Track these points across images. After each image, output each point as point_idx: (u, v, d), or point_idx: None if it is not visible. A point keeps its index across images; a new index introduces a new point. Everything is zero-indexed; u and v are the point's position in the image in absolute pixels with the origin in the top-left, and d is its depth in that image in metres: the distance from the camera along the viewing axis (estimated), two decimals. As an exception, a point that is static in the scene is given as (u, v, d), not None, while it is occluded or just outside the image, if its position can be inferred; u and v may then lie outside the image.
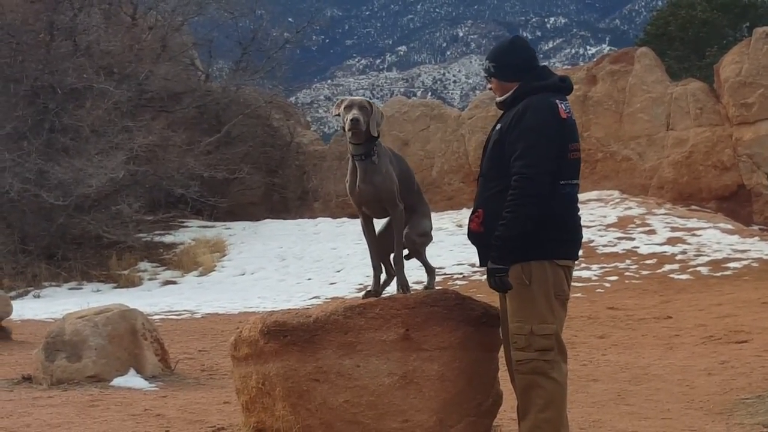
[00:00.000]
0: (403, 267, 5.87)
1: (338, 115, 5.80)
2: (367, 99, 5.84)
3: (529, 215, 5.32)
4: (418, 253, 6.01)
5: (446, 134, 26.52)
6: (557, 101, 5.51)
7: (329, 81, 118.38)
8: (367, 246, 6.04)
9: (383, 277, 6.01)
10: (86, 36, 23.75)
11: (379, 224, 6.04)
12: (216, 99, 26.52)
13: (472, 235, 5.65)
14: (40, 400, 8.69)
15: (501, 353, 5.90)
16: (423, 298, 5.76)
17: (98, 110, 21.83)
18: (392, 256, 5.94)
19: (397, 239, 5.84)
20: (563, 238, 5.51)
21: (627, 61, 25.78)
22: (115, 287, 20.52)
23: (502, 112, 5.73)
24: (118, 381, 9.45)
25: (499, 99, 5.69)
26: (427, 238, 6.02)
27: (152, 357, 9.87)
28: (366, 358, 5.66)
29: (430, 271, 6.12)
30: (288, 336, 5.77)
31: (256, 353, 5.96)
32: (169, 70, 25.31)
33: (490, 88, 5.84)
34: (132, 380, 9.50)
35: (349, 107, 5.71)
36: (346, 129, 5.69)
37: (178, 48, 26.86)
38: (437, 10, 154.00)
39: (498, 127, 5.60)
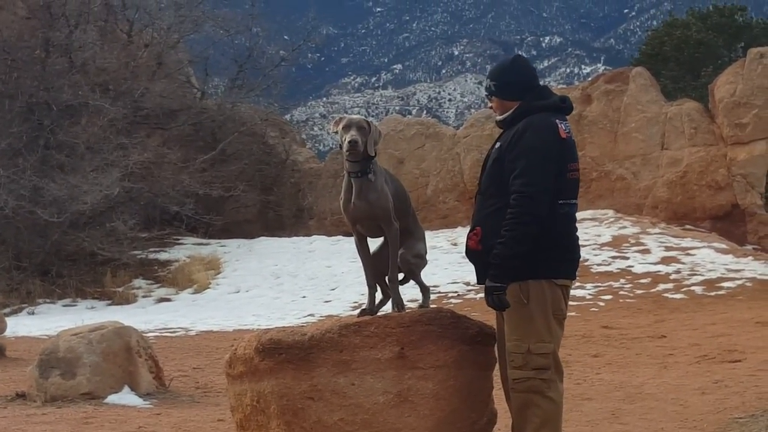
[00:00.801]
0: (397, 286, 5.87)
1: (336, 132, 5.82)
2: (365, 118, 5.85)
3: (527, 234, 5.34)
4: (413, 274, 5.99)
5: (441, 153, 26.55)
6: (557, 121, 5.54)
7: (324, 99, 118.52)
8: (361, 264, 6.03)
9: (378, 295, 6.01)
10: (82, 53, 23.73)
11: (373, 246, 6.03)
12: (211, 116, 26.50)
13: (470, 253, 5.68)
14: (34, 417, 8.70)
15: (496, 371, 5.90)
16: (418, 316, 5.75)
17: (94, 127, 21.81)
18: (387, 275, 5.92)
19: (392, 258, 5.83)
20: (562, 258, 5.54)
21: (622, 80, 25.83)
22: (110, 304, 20.48)
23: (501, 130, 5.76)
24: (112, 398, 9.45)
25: (499, 118, 5.72)
26: (422, 260, 6.01)
27: (147, 374, 9.87)
28: (361, 376, 5.64)
29: (424, 290, 6.12)
30: (283, 354, 5.74)
31: (251, 371, 5.92)
32: (164, 88, 25.29)
33: (491, 107, 5.87)
34: (126, 397, 9.50)
35: (347, 127, 5.72)
36: (344, 150, 5.70)
37: (173, 65, 26.87)
38: (433, 28, 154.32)
39: (497, 145, 5.63)
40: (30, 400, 9.50)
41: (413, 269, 5.95)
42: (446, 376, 5.69)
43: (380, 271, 5.94)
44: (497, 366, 5.85)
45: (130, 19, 26.49)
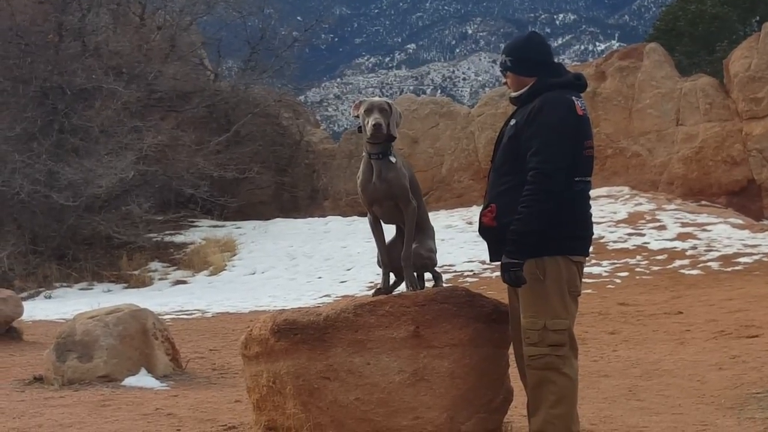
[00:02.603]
0: (411, 264, 5.86)
1: (357, 116, 5.82)
2: (386, 100, 5.84)
3: (544, 211, 5.33)
4: (426, 268, 6.02)
5: (456, 131, 26.51)
6: (573, 98, 5.52)
7: (338, 79, 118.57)
8: (375, 245, 6.03)
9: (392, 278, 6.01)
10: (95, 36, 23.77)
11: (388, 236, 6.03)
12: (225, 98, 26.52)
13: (485, 230, 5.65)
14: (51, 401, 8.71)
15: (510, 350, 5.90)
16: (433, 295, 5.78)
17: (107, 110, 21.86)
18: (400, 265, 5.92)
19: (407, 236, 5.83)
20: (577, 234, 5.53)
21: (636, 57, 25.76)
22: (126, 287, 20.54)
23: (515, 107, 5.74)
24: (129, 381, 9.46)
25: (514, 94, 5.70)
26: (433, 255, 6.02)
27: (163, 356, 9.89)
28: (376, 355, 5.67)
29: (437, 276, 6.14)
30: (298, 334, 5.79)
31: (267, 352, 5.97)
32: (178, 70, 25.33)
33: (506, 83, 5.84)
34: (143, 380, 9.51)
35: (369, 110, 5.73)
36: (368, 133, 5.70)
37: (186, 48, 26.87)
38: (446, 7, 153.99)
39: (513, 122, 5.60)
40: (47, 384, 9.51)
41: (426, 263, 5.98)
42: (461, 355, 5.71)
43: (393, 262, 5.94)
44: (512, 344, 5.84)
45: (143, 2, 26.52)
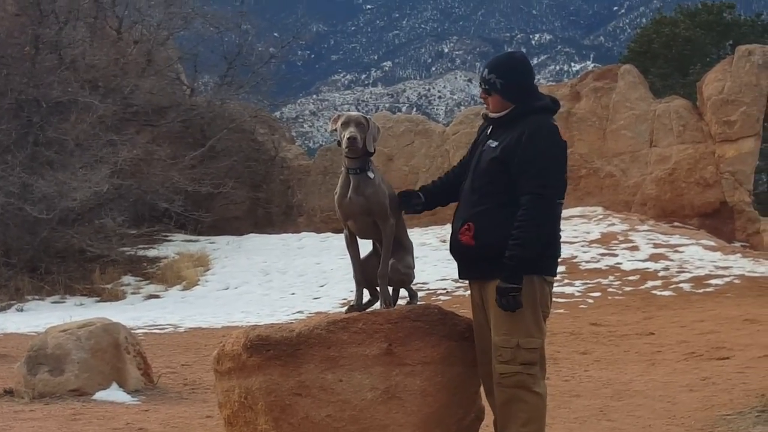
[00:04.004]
0: (387, 281, 5.86)
1: (335, 130, 5.82)
2: (364, 114, 5.87)
3: (543, 235, 5.41)
4: (403, 284, 6.01)
5: (431, 149, 26.58)
6: (555, 123, 5.59)
7: (314, 96, 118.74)
8: (350, 261, 6.02)
9: (366, 295, 6.02)
10: (71, 50, 23.72)
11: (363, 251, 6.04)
12: (201, 113, 26.49)
13: (462, 248, 5.64)
14: (21, 414, 8.70)
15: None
16: (406, 312, 5.77)
17: (83, 124, 21.80)
18: (374, 281, 5.93)
19: (384, 253, 5.83)
20: (550, 254, 5.58)
21: (610, 78, 25.89)
22: (99, 301, 20.45)
23: (488, 125, 5.73)
24: (100, 395, 9.46)
25: (495, 115, 5.67)
26: (411, 271, 6.01)
27: (135, 371, 9.88)
28: (349, 372, 5.66)
29: (413, 294, 6.14)
30: (271, 350, 5.75)
31: (239, 367, 5.94)
32: (154, 85, 25.27)
33: (483, 99, 5.76)
34: (114, 394, 9.51)
35: (346, 124, 5.73)
36: (343, 146, 5.71)
37: (163, 62, 26.84)
38: (422, 26, 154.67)
39: (494, 144, 5.57)
40: (18, 397, 9.49)
41: (404, 279, 5.96)
42: (434, 373, 5.71)
43: (368, 278, 5.94)
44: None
45: (120, 16, 26.46)
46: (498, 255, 5.40)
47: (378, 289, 5.92)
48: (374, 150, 5.82)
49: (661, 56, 36.13)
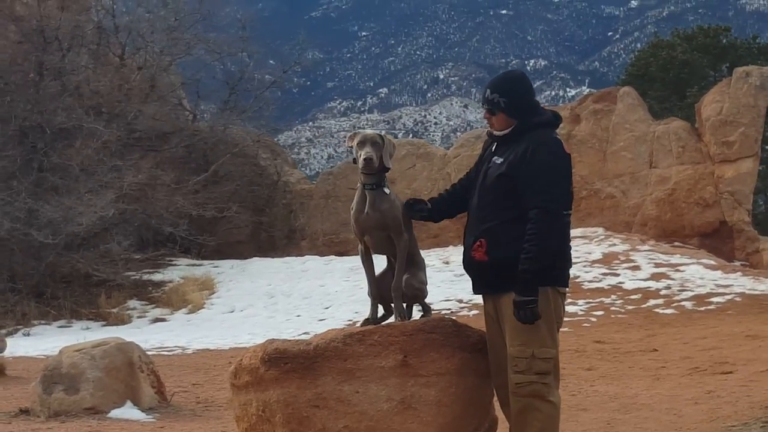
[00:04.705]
0: (401, 294, 5.98)
1: (351, 147, 5.99)
2: (379, 132, 6.03)
3: (552, 247, 5.54)
4: (417, 299, 6.13)
5: (432, 173, 26.77)
6: (558, 137, 5.74)
7: (311, 123, 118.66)
8: (365, 276, 6.12)
9: (380, 309, 6.14)
10: (75, 76, 23.92)
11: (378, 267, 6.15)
12: (204, 138, 26.70)
13: (475, 264, 5.77)
14: (40, 431, 8.83)
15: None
16: (421, 325, 5.88)
17: (88, 149, 21.96)
18: (388, 297, 6.05)
19: (398, 267, 5.94)
20: (563, 266, 5.72)
21: (610, 100, 26.09)
22: (105, 325, 20.54)
23: (492, 143, 5.86)
24: (115, 413, 9.60)
25: (499, 133, 5.79)
26: (424, 287, 6.15)
27: (149, 389, 10.02)
28: (365, 384, 5.75)
29: (426, 308, 6.26)
30: (288, 363, 5.85)
31: (257, 380, 6.02)
32: (157, 110, 25.48)
33: (487, 118, 5.88)
34: (129, 412, 9.64)
35: (362, 143, 5.89)
36: (360, 166, 5.88)
37: (166, 88, 27.06)
38: (418, 52, 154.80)
39: (500, 160, 5.70)
40: (33, 416, 9.62)
41: (418, 294, 6.10)
42: (448, 383, 5.82)
43: (382, 293, 6.06)
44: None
45: (123, 43, 26.68)
46: (511, 269, 5.53)
47: (392, 305, 6.04)
48: (390, 166, 5.99)
49: (658, 79, 36.33)
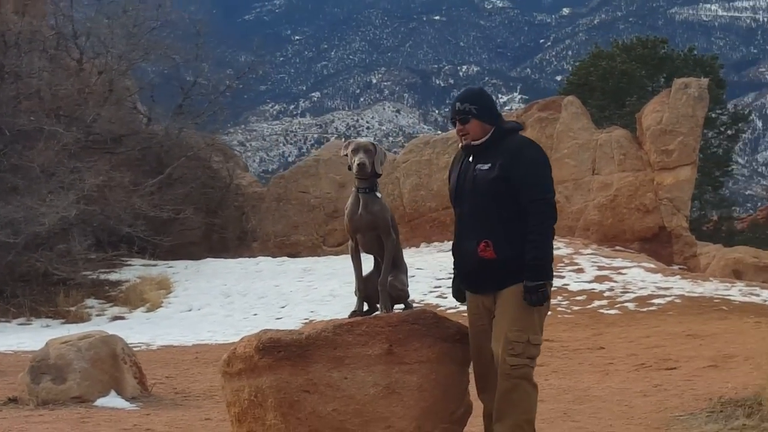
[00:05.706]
0: (387, 290, 6.50)
1: (345, 155, 6.58)
2: (371, 141, 6.62)
3: (552, 235, 6.16)
4: (401, 299, 6.64)
5: (381, 178, 27.20)
6: None
7: (243, 126, 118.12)
8: (354, 271, 6.67)
9: (365, 305, 6.67)
10: (35, 79, 24.18)
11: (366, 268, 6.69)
12: (159, 141, 27.04)
13: (484, 262, 6.22)
14: (31, 418, 9.28)
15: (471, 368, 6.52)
16: (405, 316, 6.36)
17: (48, 151, 22.25)
18: (373, 297, 6.60)
19: (385, 264, 6.49)
20: (551, 259, 6.25)
21: (554, 108, 26.70)
22: (64, 323, 20.61)
23: (468, 153, 6.33)
24: (101, 401, 10.11)
25: (477, 141, 6.27)
26: (406, 289, 6.67)
27: (131, 380, 10.55)
28: (353, 370, 6.20)
29: (410, 307, 6.79)
30: (282, 351, 6.25)
31: (250, 368, 6.40)
32: (113, 114, 25.80)
33: (459, 130, 6.32)
34: (114, 401, 10.16)
35: (356, 150, 6.49)
36: (354, 171, 6.47)
37: (122, 92, 27.37)
38: (351, 57, 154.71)
39: (486, 166, 6.19)
40: (22, 404, 10.10)
41: (401, 294, 6.63)
42: (429, 371, 6.31)
43: (368, 293, 6.62)
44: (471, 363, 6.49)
45: (81, 48, 26.93)
46: (518, 264, 6.10)
47: (378, 305, 6.58)
48: (381, 172, 6.60)
49: (598, 89, 37.12)
